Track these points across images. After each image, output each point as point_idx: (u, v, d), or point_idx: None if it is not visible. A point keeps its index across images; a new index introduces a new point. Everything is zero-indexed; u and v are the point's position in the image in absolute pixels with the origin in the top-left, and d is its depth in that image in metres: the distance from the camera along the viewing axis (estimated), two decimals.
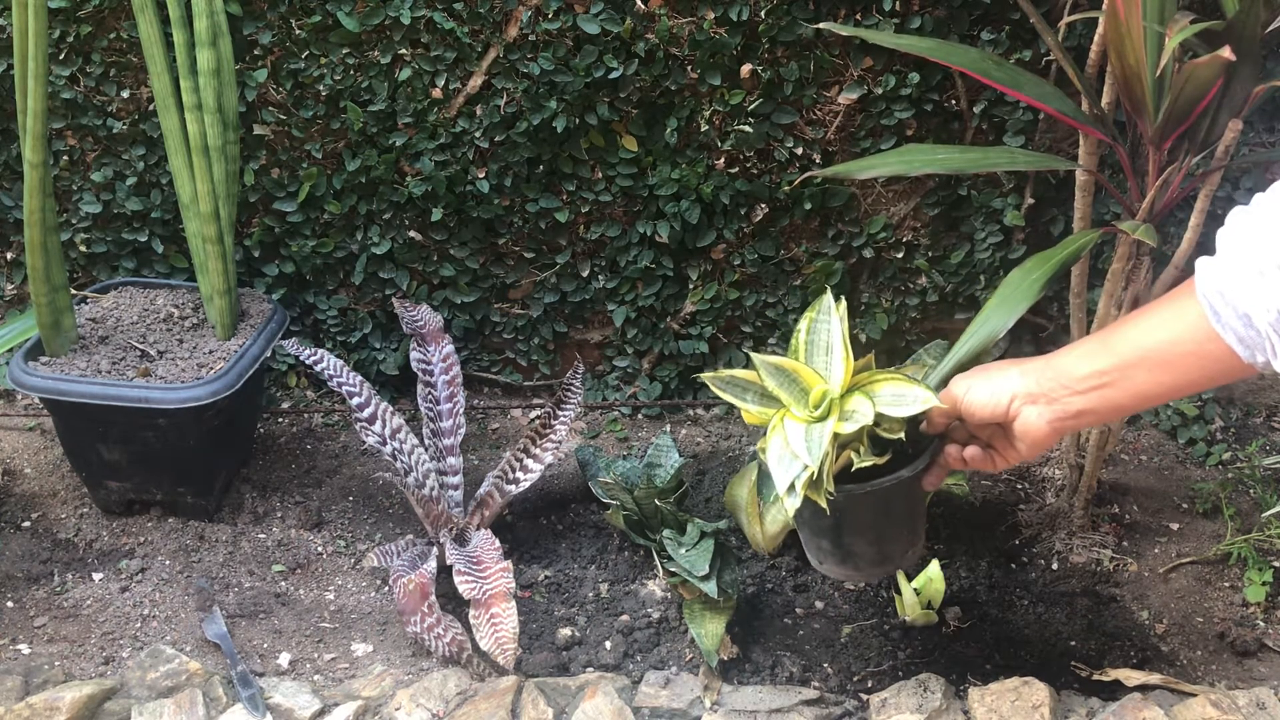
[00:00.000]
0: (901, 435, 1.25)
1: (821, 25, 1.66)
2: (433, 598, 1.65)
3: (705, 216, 2.04)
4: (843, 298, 1.31)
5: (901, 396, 1.23)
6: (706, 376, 1.31)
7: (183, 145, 1.85)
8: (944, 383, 1.24)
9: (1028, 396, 1.14)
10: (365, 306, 2.21)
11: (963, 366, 1.28)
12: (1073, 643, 1.68)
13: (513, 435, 2.20)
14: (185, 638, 1.71)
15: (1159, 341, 1.03)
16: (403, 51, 1.95)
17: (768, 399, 1.29)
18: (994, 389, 1.16)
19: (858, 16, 1.86)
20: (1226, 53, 1.21)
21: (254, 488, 2.01)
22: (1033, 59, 1.85)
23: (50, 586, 1.81)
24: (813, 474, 1.21)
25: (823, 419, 1.24)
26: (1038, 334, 2.09)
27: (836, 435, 1.22)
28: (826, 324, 1.29)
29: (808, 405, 1.26)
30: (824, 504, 1.23)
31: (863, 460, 1.27)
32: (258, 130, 2.04)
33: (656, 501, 1.76)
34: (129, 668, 1.63)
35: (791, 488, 1.22)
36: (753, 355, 1.28)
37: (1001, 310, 1.35)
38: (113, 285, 2.07)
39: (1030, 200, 1.97)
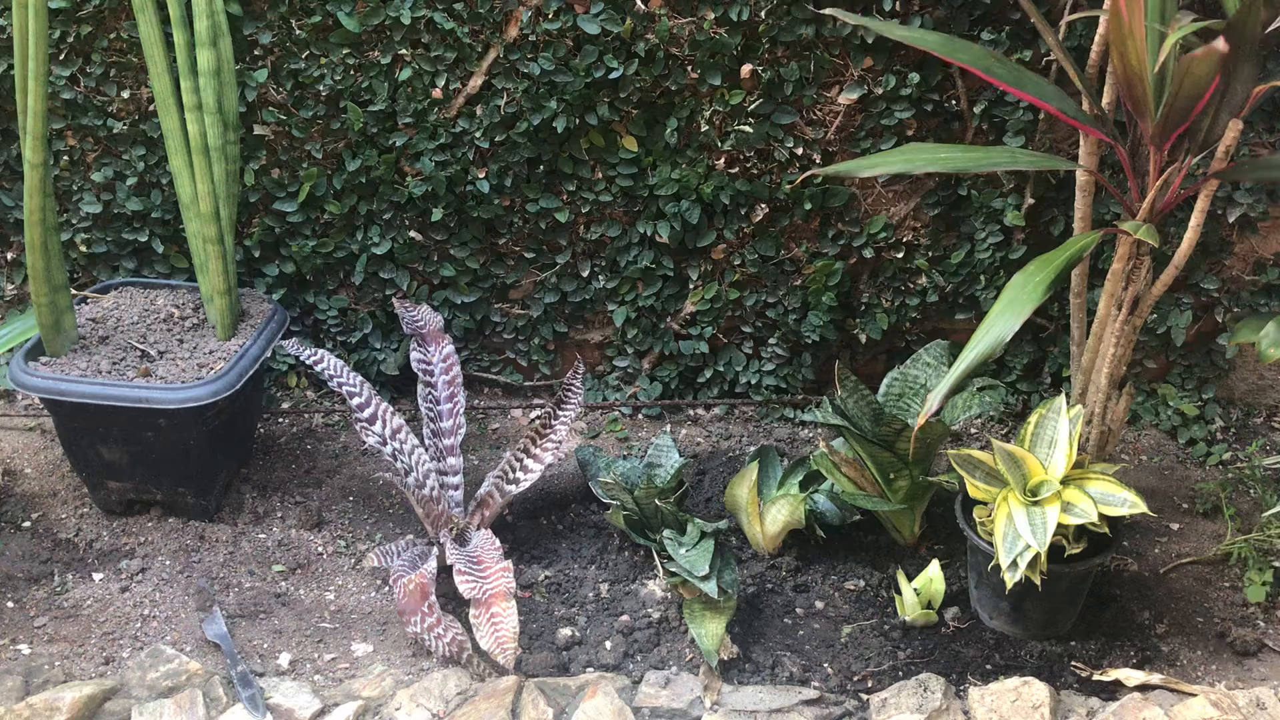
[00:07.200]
0: (1106, 529, 1.49)
1: (827, 10, 1.66)
2: (433, 598, 1.65)
3: (705, 216, 2.04)
4: (1078, 406, 1.58)
5: (1110, 496, 1.49)
6: (951, 454, 1.58)
7: (183, 145, 1.85)
8: (954, 390, 1.32)
9: None
10: (365, 306, 2.21)
11: (971, 373, 1.33)
12: (1073, 643, 1.68)
13: (513, 435, 2.19)
14: (185, 638, 1.71)
15: None
16: (403, 52, 1.95)
17: (992, 477, 1.56)
18: None
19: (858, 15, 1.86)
20: (1220, 44, 1.21)
21: (254, 488, 2.01)
22: (1033, 59, 1.85)
23: (50, 586, 1.81)
24: (1038, 555, 1.45)
25: (1039, 503, 1.49)
26: (1038, 334, 2.09)
27: (1060, 525, 1.47)
28: (1054, 422, 1.56)
29: (1026, 489, 1.52)
30: (1037, 580, 1.44)
31: (1073, 547, 1.53)
32: (258, 130, 2.04)
33: (657, 501, 1.77)
34: (129, 668, 1.63)
35: (1014, 564, 1.45)
36: (994, 441, 1.56)
37: (1007, 315, 1.35)
38: (113, 285, 2.07)
39: (1030, 200, 1.97)
